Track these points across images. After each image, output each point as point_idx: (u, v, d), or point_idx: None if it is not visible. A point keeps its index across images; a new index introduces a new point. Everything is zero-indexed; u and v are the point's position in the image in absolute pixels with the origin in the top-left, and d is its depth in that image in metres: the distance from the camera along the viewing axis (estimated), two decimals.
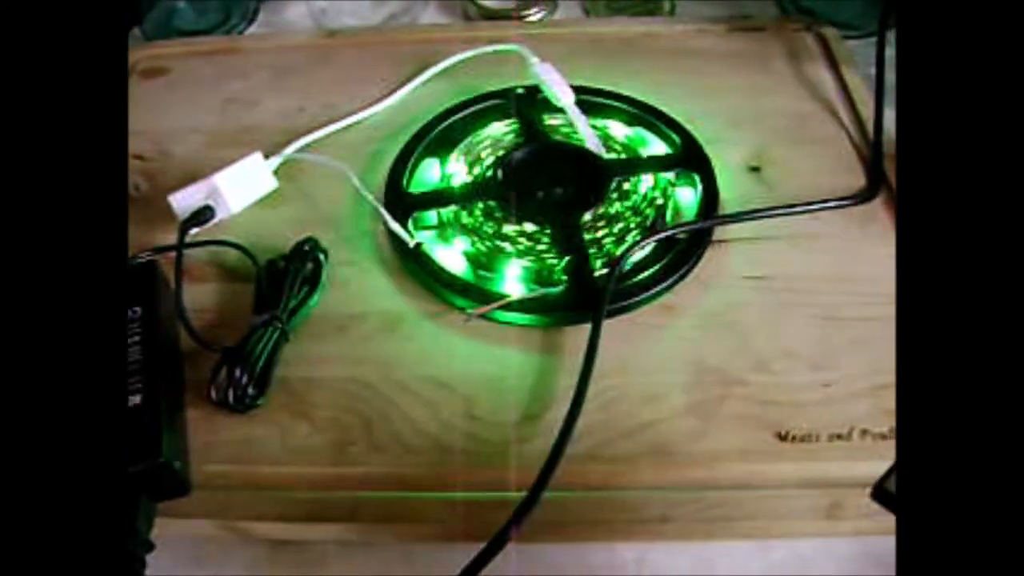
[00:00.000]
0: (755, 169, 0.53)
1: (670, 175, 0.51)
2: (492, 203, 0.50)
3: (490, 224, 0.49)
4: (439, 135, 0.55)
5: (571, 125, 0.54)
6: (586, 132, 0.53)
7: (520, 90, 0.57)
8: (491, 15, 0.72)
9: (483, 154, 0.54)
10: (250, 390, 0.41)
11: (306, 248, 0.46)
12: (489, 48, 0.60)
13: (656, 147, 0.54)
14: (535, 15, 0.71)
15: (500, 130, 0.56)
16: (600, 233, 0.48)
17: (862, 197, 0.49)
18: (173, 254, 0.47)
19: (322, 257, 0.47)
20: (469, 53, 0.60)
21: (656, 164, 0.52)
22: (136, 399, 0.38)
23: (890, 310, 0.42)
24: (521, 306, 0.44)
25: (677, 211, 0.50)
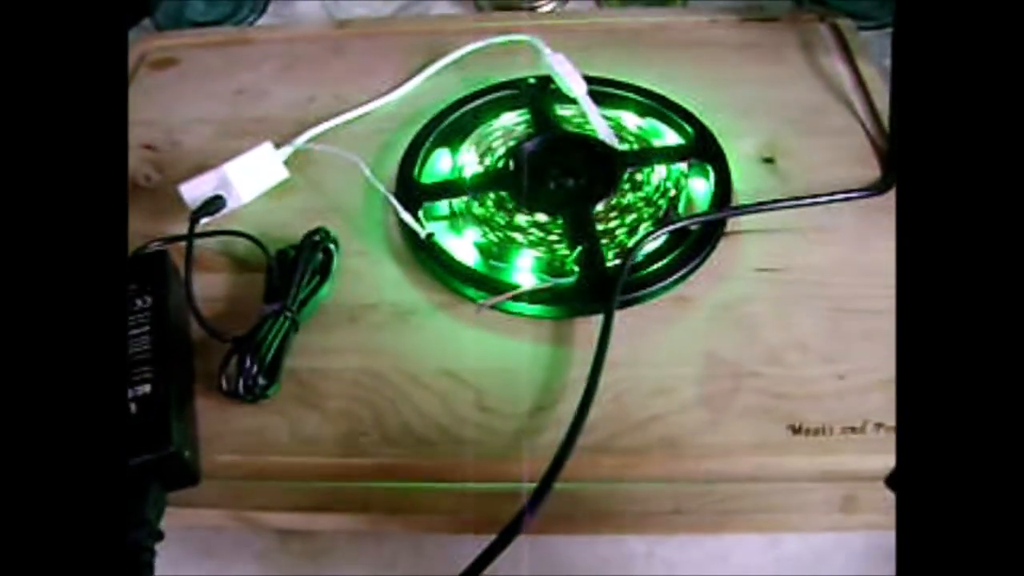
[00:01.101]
0: (768, 160, 0.52)
1: (683, 166, 0.51)
2: (504, 193, 0.49)
3: (501, 215, 0.49)
4: (450, 125, 0.55)
5: (583, 116, 0.54)
6: (598, 123, 0.53)
7: (532, 80, 0.57)
8: (503, 6, 0.71)
9: (495, 144, 0.53)
10: (260, 380, 0.41)
11: (316, 238, 0.46)
12: (501, 39, 0.60)
13: (669, 138, 0.53)
14: (547, 6, 0.71)
15: (512, 121, 0.55)
16: (612, 224, 0.48)
17: (876, 189, 0.49)
18: (183, 244, 0.46)
19: (332, 247, 0.47)
20: (480, 44, 0.60)
21: (669, 155, 0.51)
22: (146, 388, 0.38)
23: None
24: (532, 297, 0.44)
25: (690, 202, 0.50)
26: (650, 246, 0.46)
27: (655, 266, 0.45)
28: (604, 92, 0.55)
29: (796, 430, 0.39)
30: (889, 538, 0.39)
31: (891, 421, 0.39)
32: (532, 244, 0.47)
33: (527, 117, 0.55)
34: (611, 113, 0.55)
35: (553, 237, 0.47)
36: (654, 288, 0.44)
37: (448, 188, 0.51)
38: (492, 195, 0.50)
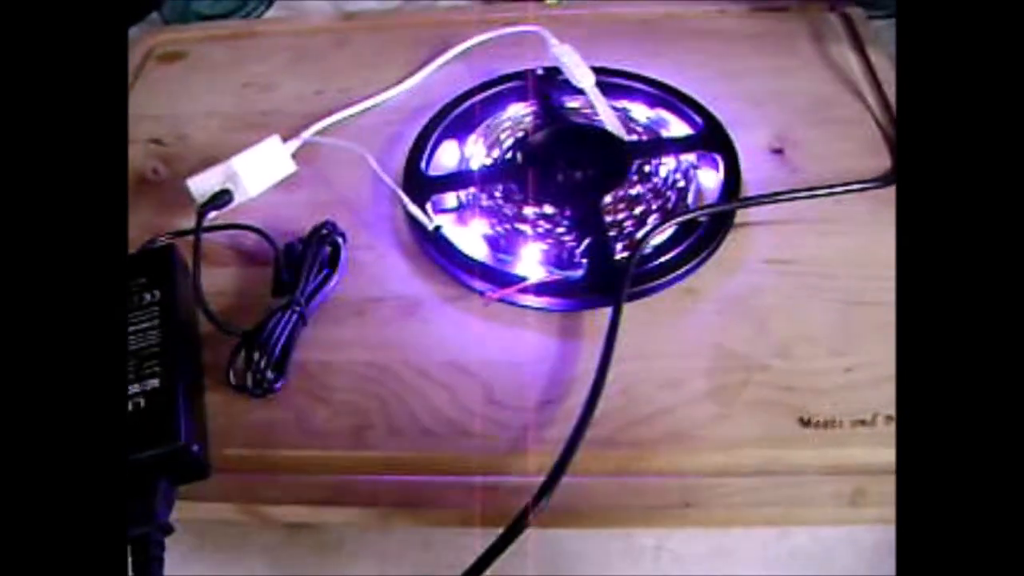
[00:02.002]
0: (778, 151, 0.52)
1: (692, 157, 0.51)
2: (511, 185, 0.49)
3: (509, 207, 0.48)
4: (458, 117, 0.55)
5: (591, 107, 0.54)
6: (606, 114, 0.53)
7: (539, 72, 0.56)
8: None
9: (502, 136, 0.53)
10: (268, 374, 0.41)
11: (324, 231, 0.46)
12: (508, 30, 0.59)
13: (677, 129, 0.53)
14: None
15: (519, 112, 0.55)
16: (621, 215, 0.47)
17: (887, 180, 0.48)
18: (191, 238, 0.47)
19: (340, 240, 0.47)
20: (488, 35, 0.60)
21: (678, 146, 0.51)
22: (155, 383, 0.38)
23: None
24: (540, 289, 0.44)
25: (699, 193, 0.49)
26: (659, 238, 0.45)
27: (664, 258, 0.45)
28: (612, 83, 0.55)
29: (805, 423, 0.39)
30: None
31: None
32: (540, 236, 0.47)
33: (535, 108, 0.55)
34: (619, 104, 0.54)
35: (561, 229, 0.47)
36: (662, 280, 0.44)
37: (455, 180, 0.51)
38: (500, 187, 0.49)
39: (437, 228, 0.47)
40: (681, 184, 0.49)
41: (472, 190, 0.50)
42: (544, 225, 0.47)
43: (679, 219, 0.46)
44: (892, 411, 0.39)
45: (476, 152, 0.53)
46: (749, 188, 0.49)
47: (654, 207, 0.48)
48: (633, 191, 0.49)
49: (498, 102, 0.56)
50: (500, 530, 0.35)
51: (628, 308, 0.42)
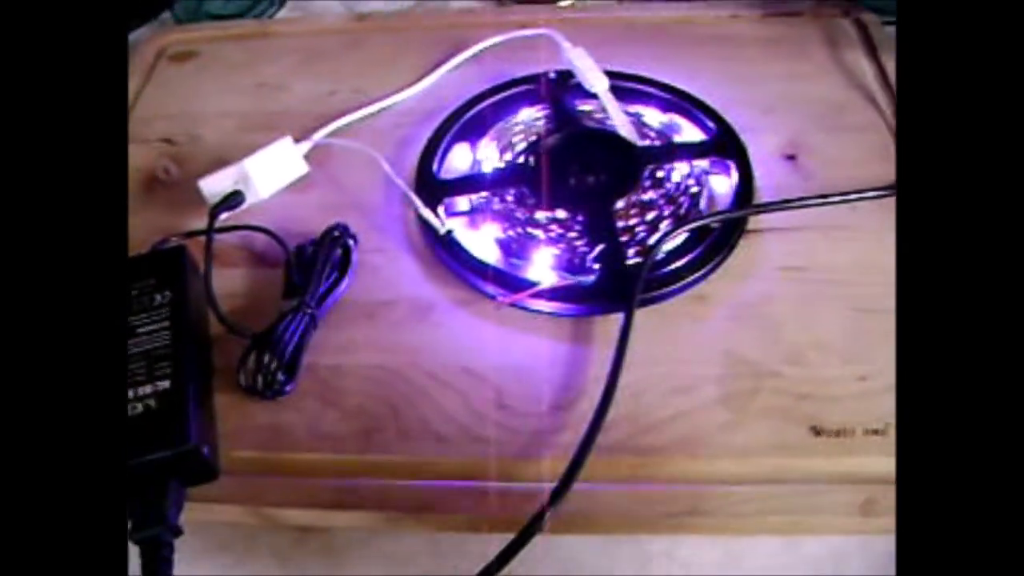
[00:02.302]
0: (791, 157, 0.52)
1: (704, 163, 0.50)
2: (524, 189, 0.49)
3: (521, 211, 0.48)
4: (470, 120, 0.55)
5: (604, 111, 0.54)
6: (620, 118, 0.52)
7: (552, 75, 0.56)
8: None
9: (515, 140, 0.53)
10: (279, 376, 0.41)
11: (336, 234, 0.46)
12: (520, 33, 0.59)
13: (690, 134, 0.53)
14: (567, 0, 0.70)
15: (532, 116, 0.55)
16: (633, 221, 0.47)
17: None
18: (202, 239, 0.47)
19: (352, 243, 0.47)
20: (500, 38, 0.60)
21: (691, 151, 0.51)
22: (165, 384, 0.38)
23: None
24: (552, 294, 0.44)
25: (711, 199, 0.49)
26: (671, 244, 0.45)
27: (676, 264, 0.45)
28: (625, 87, 0.55)
29: (817, 431, 0.39)
30: None
31: None
32: (552, 241, 0.47)
33: (547, 112, 0.55)
34: (632, 109, 0.54)
35: (573, 234, 0.47)
36: (674, 286, 0.44)
37: (468, 184, 0.51)
38: (512, 191, 0.49)
39: (449, 231, 0.47)
40: (694, 190, 0.49)
41: (484, 194, 0.50)
42: (556, 230, 0.47)
43: (691, 225, 0.46)
44: None
45: (488, 155, 0.53)
46: (762, 194, 0.49)
47: (666, 213, 0.48)
48: (645, 196, 0.48)
49: (510, 105, 0.56)
50: (511, 536, 0.34)
51: (640, 314, 0.42)
